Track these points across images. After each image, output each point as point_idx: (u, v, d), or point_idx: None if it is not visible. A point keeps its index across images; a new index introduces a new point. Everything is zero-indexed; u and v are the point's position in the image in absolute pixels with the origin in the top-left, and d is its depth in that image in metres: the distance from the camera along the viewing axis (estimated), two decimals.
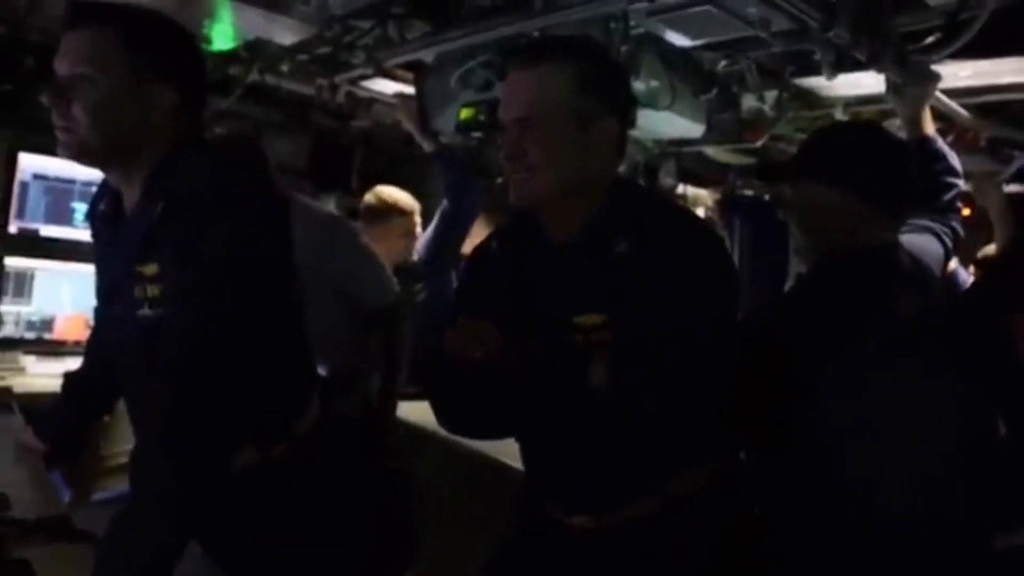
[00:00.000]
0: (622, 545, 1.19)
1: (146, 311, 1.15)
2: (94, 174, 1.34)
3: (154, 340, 1.15)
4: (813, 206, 1.43)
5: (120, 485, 2.07)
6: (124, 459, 2.65)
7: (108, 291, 1.32)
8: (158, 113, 1.18)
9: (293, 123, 3.22)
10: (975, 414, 0.77)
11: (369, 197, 2.75)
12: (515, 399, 1.11)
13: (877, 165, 1.40)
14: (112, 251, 1.28)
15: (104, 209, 1.31)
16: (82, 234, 2.75)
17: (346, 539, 1.36)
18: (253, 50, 2.42)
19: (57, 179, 2.94)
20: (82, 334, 2.77)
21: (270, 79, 2.56)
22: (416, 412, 2.14)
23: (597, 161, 1.18)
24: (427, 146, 2.43)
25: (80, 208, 2.95)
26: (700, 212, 4.40)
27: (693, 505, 1.17)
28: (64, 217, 2.96)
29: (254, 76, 2.52)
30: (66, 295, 2.85)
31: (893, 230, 1.45)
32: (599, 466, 1.15)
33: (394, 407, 2.25)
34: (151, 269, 1.14)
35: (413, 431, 2.19)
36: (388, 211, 2.68)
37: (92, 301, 1.42)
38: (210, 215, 1.13)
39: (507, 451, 1.43)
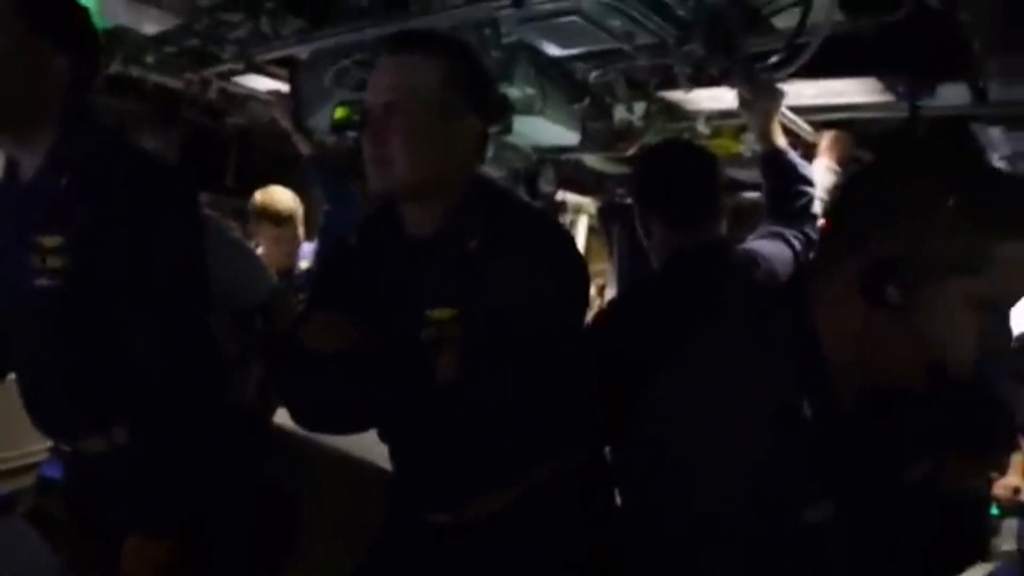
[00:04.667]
0: (481, 540, 1.20)
1: (43, 281, 1.20)
2: None
3: (59, 308, 1.21)
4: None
5: None
6: None
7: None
8: (50, 79, 1.24)
9: (161, 118, 3.07)
10: (782, 397, 0.83)
11: (260, 197, 2.70)
12: (366, 394, 1.10)
13: (647, 178, 1.71)
14: (4, 216, 1.32)
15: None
16: None
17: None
18: (114, 39, 2.29)
19: None
20: None
21: (135, 70, 2.43)
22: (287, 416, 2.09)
23: (457, 158, 1.20)
24: (303, 148, 2.38)
25: None
26: (584, 220, 4.54)
27: (553, 498, 1.20)
28: None
29: (117, 66, 2.39)
30: None
31: (690, 235, 1.64)
32: (453, 461, 1.17)
33: (272, 407, 2.19)
34: (52, 241, 1.19)
35: (284, 436, 2.13)
36: (276, 215, 2.65)
37: None
38: (138, 198, 1.21)
39: (380, 453, 1.43)
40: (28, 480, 2.45)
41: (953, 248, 0.78)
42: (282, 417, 2.19)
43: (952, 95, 1.82)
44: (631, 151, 2.44)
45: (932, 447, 0.96)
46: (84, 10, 1.34)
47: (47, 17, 1.24)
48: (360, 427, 1.29)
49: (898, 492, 0.93)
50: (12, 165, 1.33)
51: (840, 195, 0.93)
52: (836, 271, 0.86)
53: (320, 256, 2.54)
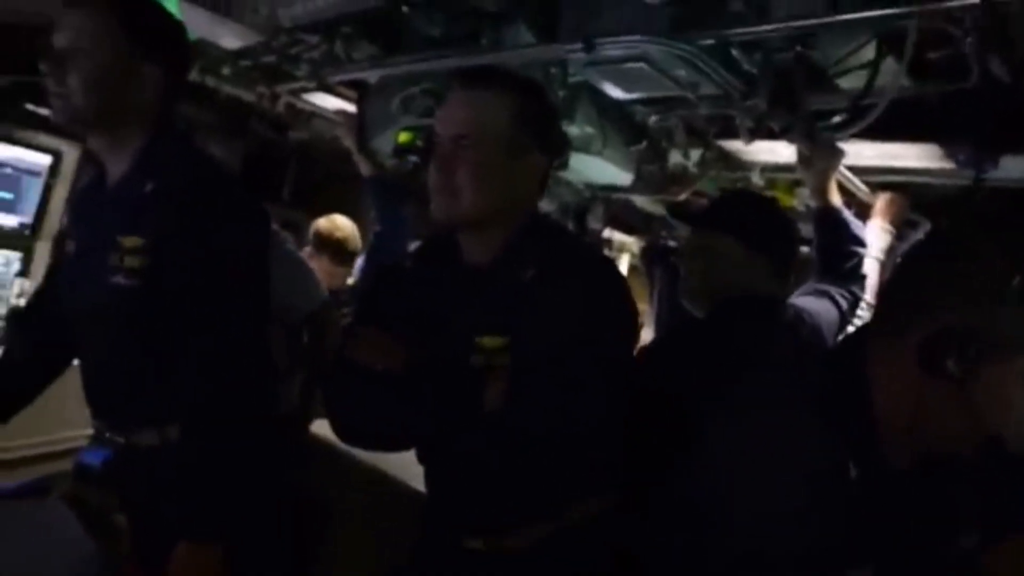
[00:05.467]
0: (513, 569, 1.21)
1: (121, 279, 1.26)
2: None
3: (133, 306, 1.27)
4: (710, 251, 1.63)
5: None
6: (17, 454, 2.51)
7: (80, 252, 1.40)
8: (144, 88, 1.32)
9: (229, 128, 3.18)
10: (830, 456, 0.84)
11: (325, 224, 2.81)
12: (411, 414, 1.13)
13: (765, 223, 1.63)
14: (90, 215, 1.41)
15: (87, 178, 1.45)
16: None
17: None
18: (196, 50, 2.40)
19: None
20: None
21: (210, 81, 2.54)
22: (326, 428, 2.12)
23: (521, 192, 1.23)
24: (364, 169, 2.45)
25: None
26: (626, 259, 4.55)
27: (587, 532, 1.21)
28: None
29: (194, 76, 2.49)
30: None
31: (777, 283, 1.61)
32: (492, 489, 1.18)
33: (310, 417, 2.24)
34: (132, 242, 1.26)
35: (321, 447, 2.16)
36: (341, 246, 2.75)
37: None
38: (213, 209, 1.28)
39: (415, 474, 1.45)
40: (64, 465, 2.52)
41: (1016, 328, 0.78)
42: (319, 428, 2.24)
43: (1015, 167, 1.82)
44: (683, 195, 2.46)
45: (979, 520, 0.95)
46: (179, 24, 1.43)
47: (146, 30, 1.32)
48: (401, 446, 1.31)
49: (940, 562, 0.92)
50: (99, 168, 1.41)
51: (905, 262, 0.94)
52: (895, 337, 0.87)
53: (367, 276, 2.60)
